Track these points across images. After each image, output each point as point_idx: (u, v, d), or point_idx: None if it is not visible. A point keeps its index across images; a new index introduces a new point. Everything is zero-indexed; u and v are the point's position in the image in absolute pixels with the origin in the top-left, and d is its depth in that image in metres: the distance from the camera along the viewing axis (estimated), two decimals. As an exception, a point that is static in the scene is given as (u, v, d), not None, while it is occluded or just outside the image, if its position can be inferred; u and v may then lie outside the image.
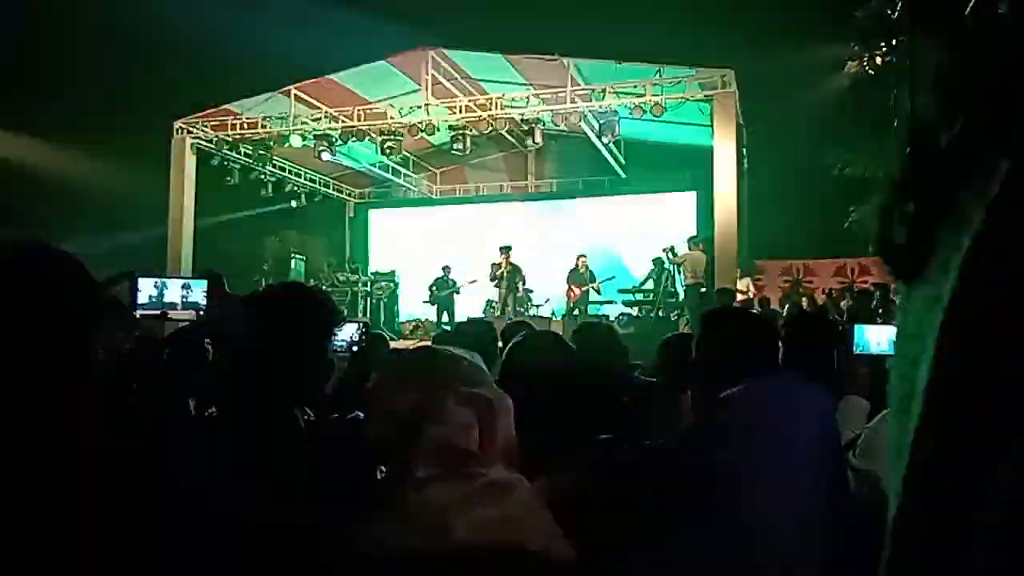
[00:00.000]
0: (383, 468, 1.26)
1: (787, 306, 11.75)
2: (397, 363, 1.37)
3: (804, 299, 13.38)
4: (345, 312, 12.42)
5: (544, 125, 13.36)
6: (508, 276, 14.20)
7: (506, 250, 14.52)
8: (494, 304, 15.02)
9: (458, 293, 15.37)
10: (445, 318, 15.07)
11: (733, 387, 1.67)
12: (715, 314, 1.84)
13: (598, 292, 14.75)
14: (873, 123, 14.43)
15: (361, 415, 1.50)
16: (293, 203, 17.83)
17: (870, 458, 2.09)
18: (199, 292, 2.14)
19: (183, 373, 1.93)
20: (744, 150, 14.63)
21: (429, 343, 2.40)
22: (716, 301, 10.33)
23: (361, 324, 2.57)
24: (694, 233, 14.40)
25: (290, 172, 17.60)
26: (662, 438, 1.93)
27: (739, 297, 12.41)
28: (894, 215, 0.43)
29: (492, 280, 14.51)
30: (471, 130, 13.59)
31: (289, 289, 1.84)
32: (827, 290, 14.80)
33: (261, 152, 14.73)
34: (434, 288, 15.41)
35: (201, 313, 2.17)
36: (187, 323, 2.16)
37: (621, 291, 14.82)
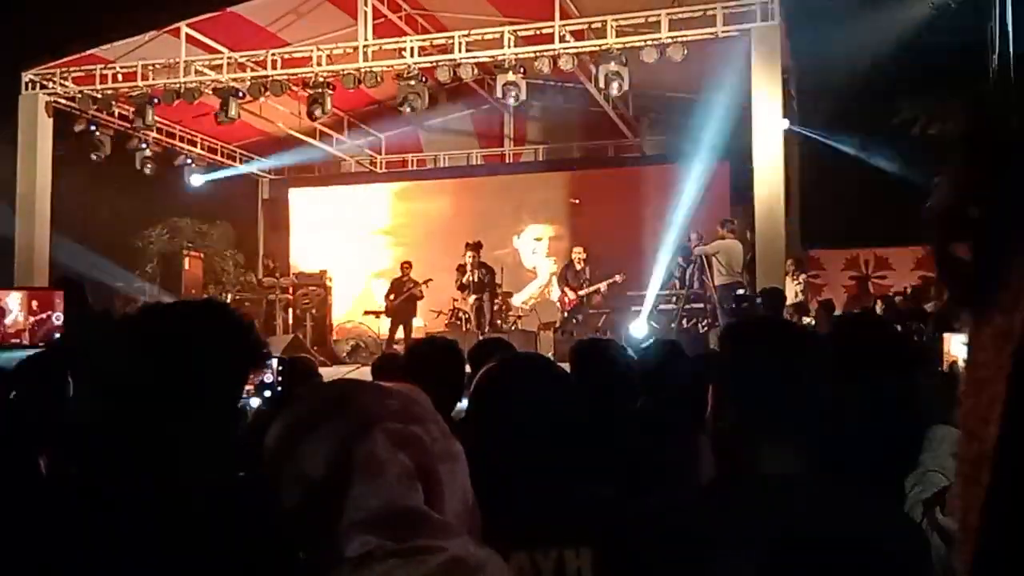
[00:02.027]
0: (302, 549, 1.24)
1: (854, 311, 11.83)
2: (300, 403, 1.34)
3: (878, 302, 13.48)
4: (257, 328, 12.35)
5: (525, 73, 13.38)
6: (479, 281, 14.22)
7: (474, 247, 14.53)
8: (462, 314, 15.03)
9: (420, 298, 15.38)
10: (401, 334, 15.08)
11: (771, 428, 1.68)
12: (742, 327, 1.85)
13: (602, 296, 14.79)
14: (963, 66, 14.55)
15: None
16: (190, 181, 17.69)
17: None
18: (55, 307, 2.10)
19: (31, 416, 1.91)
20: (793, 104, 14.73)
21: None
22: (760, 306, 10.38)
23: (279, 361, 2.57)
24: (728, 215, 14.46)
25: (182, 140, 17.48)
26: (681, 493, 1.94)
27: (791, 300, 12.49)
28: (957, 222, 0.42)
29: (461, 289, 14.51)
30: (426, 80, 13.57)
31: (198, 309, 1.82)
32: (907, 288, 14.94)
33: (142, 113, 14.61)
34: (392, 295, 15.42)
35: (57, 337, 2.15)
36: (40, 350, 2.14)
37: (632, 294, 14.87)
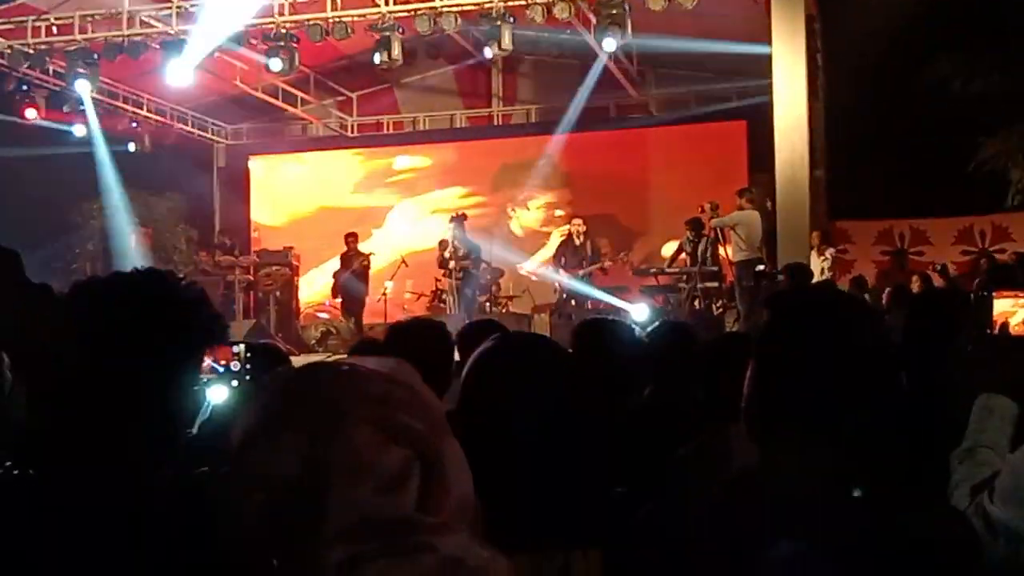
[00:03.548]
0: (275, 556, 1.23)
1: (887, 290, 11.87)
2: (267, 393, 1.31)
3: (916, 278, 13.49)
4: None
5: (516, 22, 13.34)
6: (464, 258, 14.21)
7: (459, 221, 14.53)
8: (446, 296, 15.03)
9: (367, 268, 15.52)
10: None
11: (813, 411, 1.68)
12: (787, 300, 1.84)
13: (604, 272, 14.79)
14: (1009, 17, 14.57)
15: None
16: (130, 147, 17.61)
17: (1016, 505, 2.11)
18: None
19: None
20: (818, 58, 14.71)
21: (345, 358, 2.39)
22: (783, 285, 10.40)
23: (245, 346, 2.55)
24: (746, 182, 14.47)
25: (126, 101, 17.38)
26: (703, 491, 1.94)
27: (816, 277, 12.50)
28: None
29: (442, 265, 14.51)
30: (403, 31, 13.51)
31: (139, 280, 1.81)
32: (938, 266, 14.83)
33: (81, 70, 14.53)
34: (343, 275, 15.51)
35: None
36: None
37: (637, 272, 14.87)
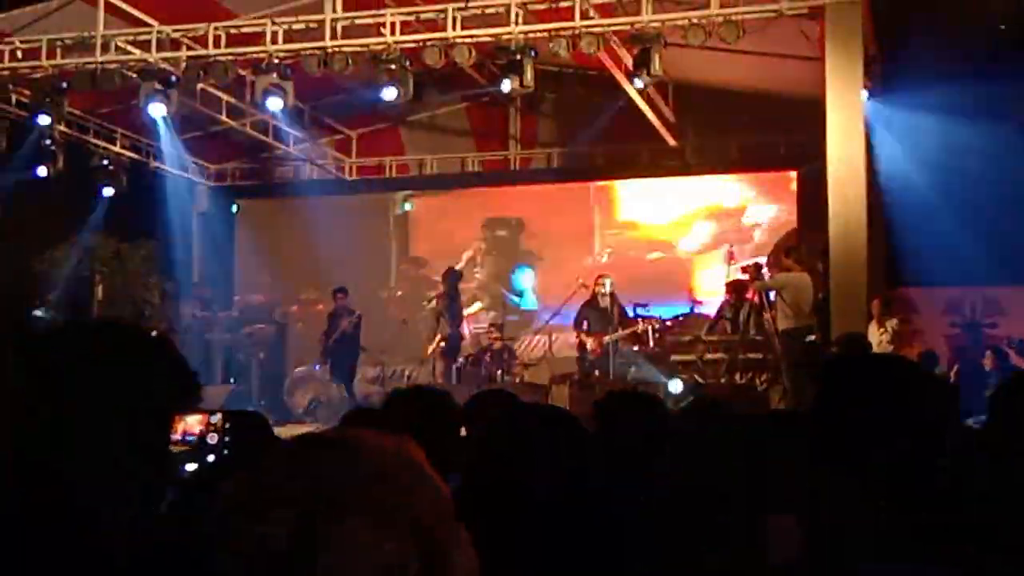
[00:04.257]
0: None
1: (955, 367, 11.83)
2: (268, 458, 1.32)
3: (989, 354, 13.38)
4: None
5: (537, 56, 13.44)
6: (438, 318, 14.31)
7: (454, 278, 14.55)
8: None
9: (355, 328, 15.53)
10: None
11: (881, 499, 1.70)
12: (848, 369, 1.86)
13: (635, 338, 14.75)
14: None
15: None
16: (106, 190, 17.72)
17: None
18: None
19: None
20: (878, 99, 14.75)
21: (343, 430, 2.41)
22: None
23: (223, 415, 2.57)
24: (795, 240, 14.47)
25: (97, 135, 17.52)
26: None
27: (875, 350, 12.46)
28: None
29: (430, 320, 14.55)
30: (410, 64, 13.62)
31: (96, 331, 1.82)
32: (1014, 342, 14.72)
33: (49, 100, 14.68)
34: (332, 336, 15.53)
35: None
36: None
37: (672, 339, 14.84)
